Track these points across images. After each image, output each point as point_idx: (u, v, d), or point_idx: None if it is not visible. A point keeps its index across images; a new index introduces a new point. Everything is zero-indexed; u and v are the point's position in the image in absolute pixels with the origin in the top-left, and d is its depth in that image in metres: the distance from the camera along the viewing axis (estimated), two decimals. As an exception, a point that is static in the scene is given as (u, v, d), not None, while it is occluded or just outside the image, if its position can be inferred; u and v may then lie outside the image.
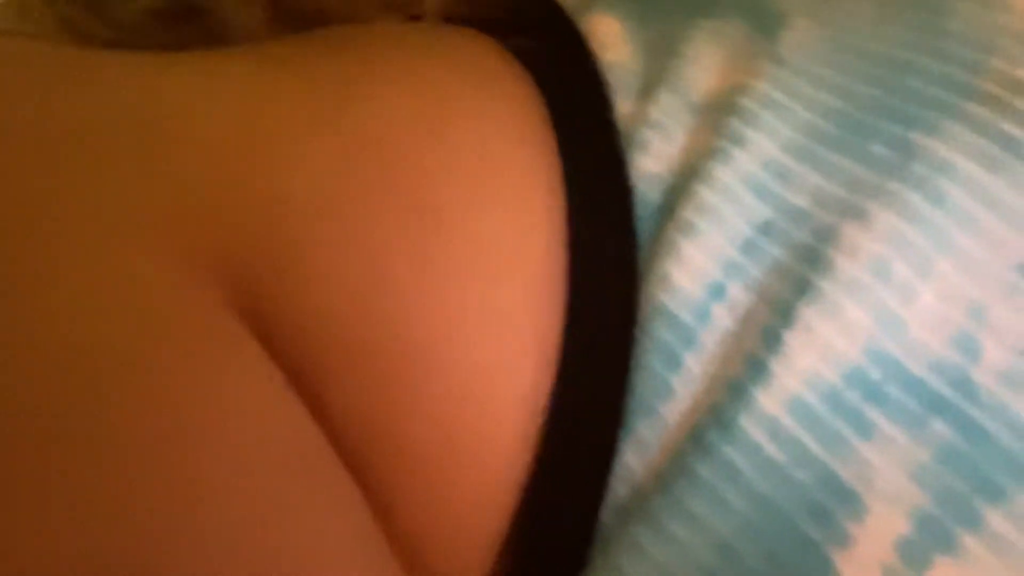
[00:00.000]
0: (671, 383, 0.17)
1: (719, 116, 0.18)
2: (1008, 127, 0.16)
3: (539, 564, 0.17)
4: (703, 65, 0.19)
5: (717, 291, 0.17)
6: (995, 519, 0.14)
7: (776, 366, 0.15)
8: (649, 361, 0.17)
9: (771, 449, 0.15)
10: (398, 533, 0.17)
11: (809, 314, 0.15)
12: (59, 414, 0.13)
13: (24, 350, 0.13)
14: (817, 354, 0.15)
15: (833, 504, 0.15)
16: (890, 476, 0.15)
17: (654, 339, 0.17)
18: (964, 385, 0.15)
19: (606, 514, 0.17)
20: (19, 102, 0.16)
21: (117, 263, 0.14)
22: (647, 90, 0.19)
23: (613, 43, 0.20)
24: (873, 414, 0.15)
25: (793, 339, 0.15)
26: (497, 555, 0.18)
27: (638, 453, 0.17)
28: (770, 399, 0.15)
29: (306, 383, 0.16)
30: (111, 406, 0.13)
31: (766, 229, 0.17)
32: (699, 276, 0.17)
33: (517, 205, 0.19)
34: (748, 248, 0.17)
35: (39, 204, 0.15)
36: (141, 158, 0.16)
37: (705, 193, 0.17)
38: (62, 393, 0.13)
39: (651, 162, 0.18)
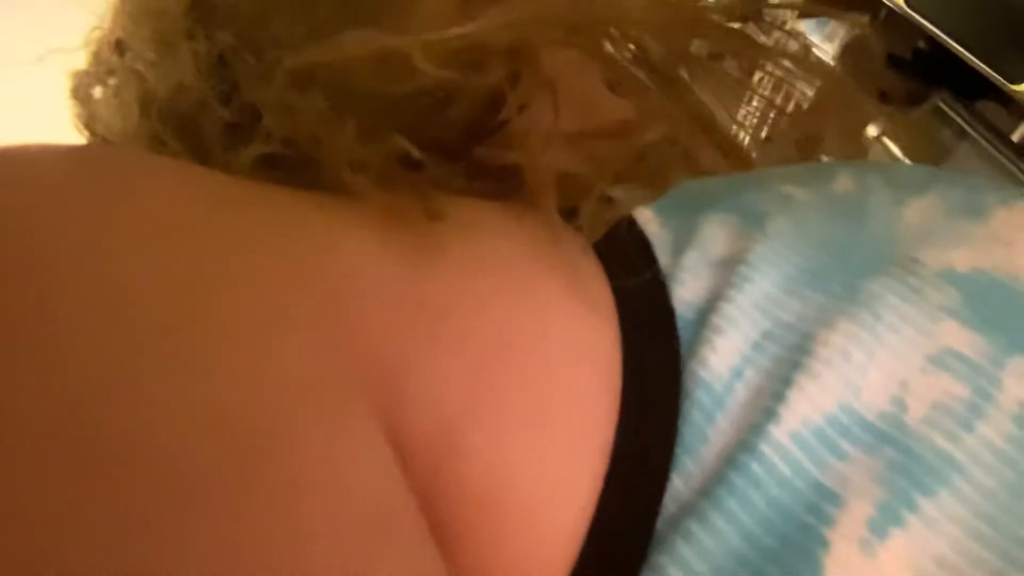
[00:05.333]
0: (707, 433, 0.24)
1: (732, 266, 0.27)
2: (912, 280, 0.26)
3: (608, 557, 0.23)
4: (715, 239, 0.29)
5: (737, 373, 0.25)
6: (927, 506, 0.22)
7: (784, 412, 0.23)
8: (692, 416, 0.24)
9: (782, 466, 0.23)
10: (492, 565, 0.22)
11: (802, 380, 0.24)
12: (210, 466, 0.16)
13: (185, 410, 0.16)
14: (808, 405, 0.23)
15: (822, 501, 0.22)
16: (859, 481, 0.22)
17: (696, 401, 0.25)
18: (900, 426, 0.23)
19: (660, 523, 0.23)
20: (212, 229, 0.20)
21: (272, 348, 0.18)
22: (677, 251, 0.28)
23: (649, 221, 0.30)
24: (844, 444, 0.23)
25: (792, 396, 0.24)
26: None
27: (684, 480, 0.24)
28: (781, 433, 0.23)
29: (426, 442, 0.21)
30: (249, 464, 0.16)
31: (767, 335, 0.25)
32: (726, 362, 0.25)
33: (586, 311, 0.27)
34: (756, 347, 0.25)
35: (215, 299, 0.18)
36: (299, 268, 0.21)
37: (728, 309, 0.26)
38: (211, 447, 0.16)
39: (686, 292, 0.27)
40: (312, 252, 0.22)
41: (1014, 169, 0.87)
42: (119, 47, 0.28)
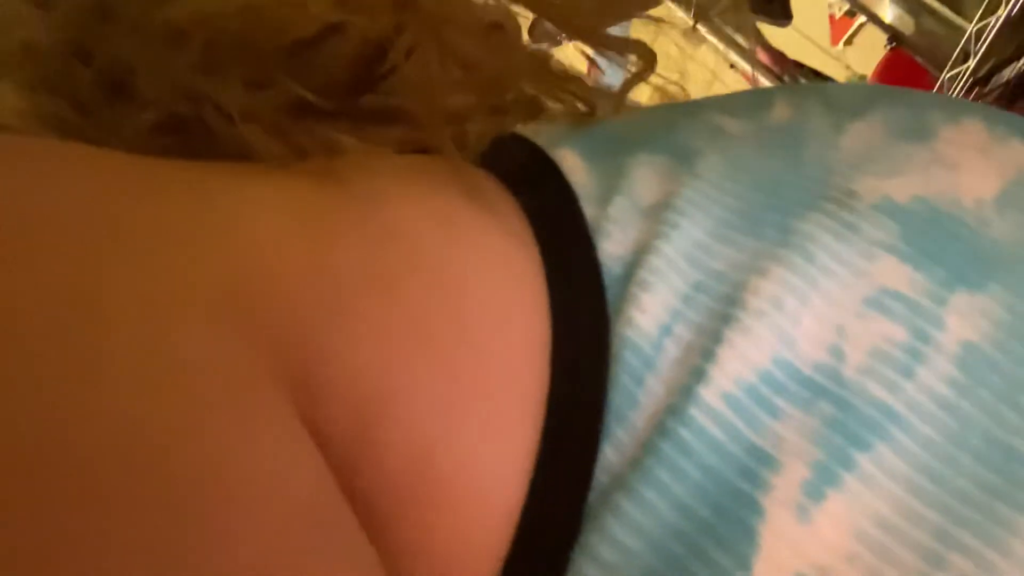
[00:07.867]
0: (637, 396, 0.23)
1: (660, 212, 0.25)
2: (846, 216, 0.24)
3: (540, 537, 0.22)
4: (644, 182, 0.27)
5: (667, 330, 0.23)
6: (864, 462, 0.21)
7: (714, 372, 0.22)
8: (621, 380, 0.23)
9: (713, 430, 0.22)
10: (425, 552, 0.21)
11: (732, 335, 0.22)
12: (114, 474, 0.15)
13: (85, 420, 0.15)
14: (740, 362, 0.22)
15: (757, 465, 0.21)
16: (794, 441, 0.21)
17: (624, 364, 0.23)
18: (836, 377, 0.22)
19: (592, 496, 0.22)
20: (91, 204, 0.19)
21: (171, 339, 0.17)
22: (604, 199, 0.27)
23: (576, 169, 0.28)
24: (779, 402, 0.22)
25: (723, 353, 0.22)
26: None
27: (615, 449, 0.22)
28: (711, 395, 0.22)
29: (344, 431, 0.20)
30: (159, 467, 0.15)
31: (697, 286, 0.24)
32: (654, 319, 0.23)
33: (509, 274, 0.25)
34: (686, 299, 0.24)
35: (104, 289, 0.17)
36: (198, 248, 0.19)
37: (656, 261, 0.24)
38: (119, 457, 0.15)
39: (613, 246, 0.25)
40: (211, 234, 0.20)
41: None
42: None
